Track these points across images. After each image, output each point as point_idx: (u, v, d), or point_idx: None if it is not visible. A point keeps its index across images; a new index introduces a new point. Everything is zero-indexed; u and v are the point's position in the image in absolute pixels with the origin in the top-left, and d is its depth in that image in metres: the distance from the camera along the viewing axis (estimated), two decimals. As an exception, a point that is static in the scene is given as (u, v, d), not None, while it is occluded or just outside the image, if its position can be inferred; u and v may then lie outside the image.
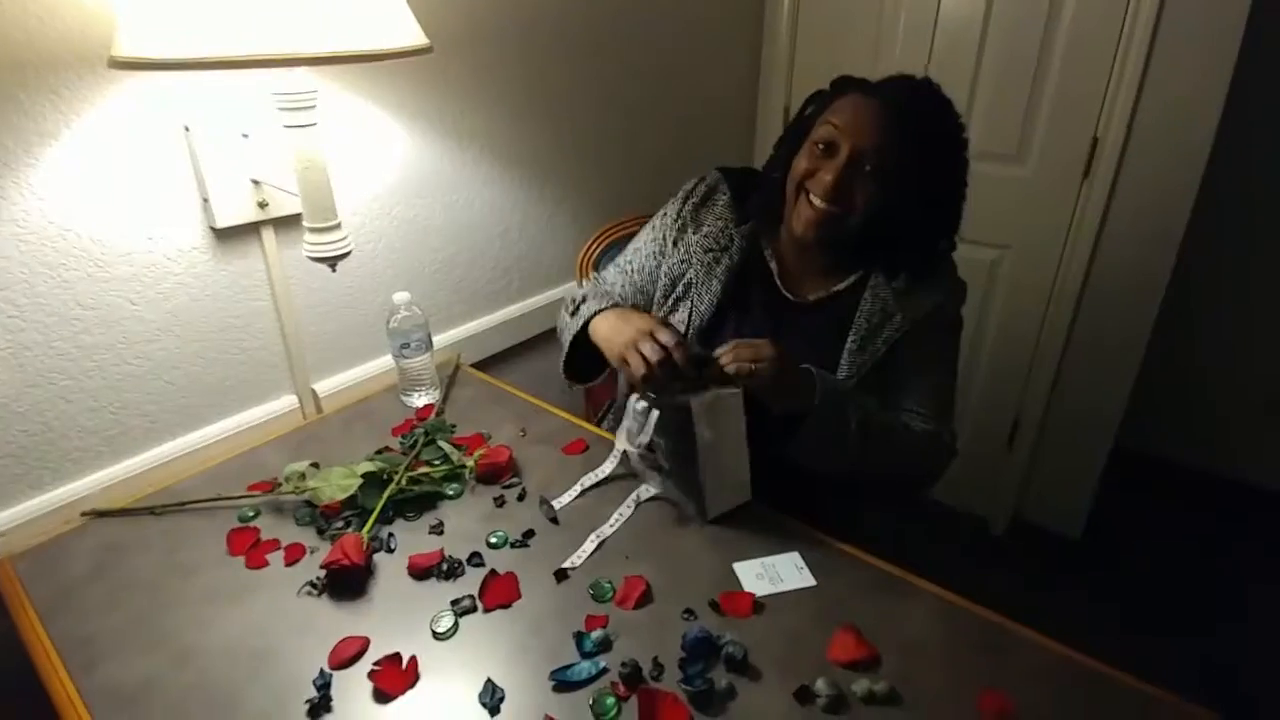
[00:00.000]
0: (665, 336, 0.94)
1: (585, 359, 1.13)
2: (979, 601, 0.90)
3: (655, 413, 0.98)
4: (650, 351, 0.93)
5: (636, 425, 1.01)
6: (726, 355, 0.93)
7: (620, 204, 1.78)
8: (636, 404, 1.00)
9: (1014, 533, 2.22)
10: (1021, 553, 2.16)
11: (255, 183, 1.12)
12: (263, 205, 1.13)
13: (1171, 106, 1.66)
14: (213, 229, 1.11)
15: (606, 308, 1.10)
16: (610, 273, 1.26)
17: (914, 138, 0.96)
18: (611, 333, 1.04)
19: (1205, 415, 2.42)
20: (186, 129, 1.04)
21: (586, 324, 1.10)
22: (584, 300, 1.16)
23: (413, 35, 0.95)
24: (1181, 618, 1.92)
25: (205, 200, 1.08)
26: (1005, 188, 1.89)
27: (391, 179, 1.33)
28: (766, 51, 2.17)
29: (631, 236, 1.52)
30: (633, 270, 1.22)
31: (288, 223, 1.19)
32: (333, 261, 1.05)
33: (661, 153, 1.91)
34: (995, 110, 1.85)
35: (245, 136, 1.09)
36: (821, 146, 1.00)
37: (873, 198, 0.98)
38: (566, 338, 1.16)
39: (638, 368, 0.94)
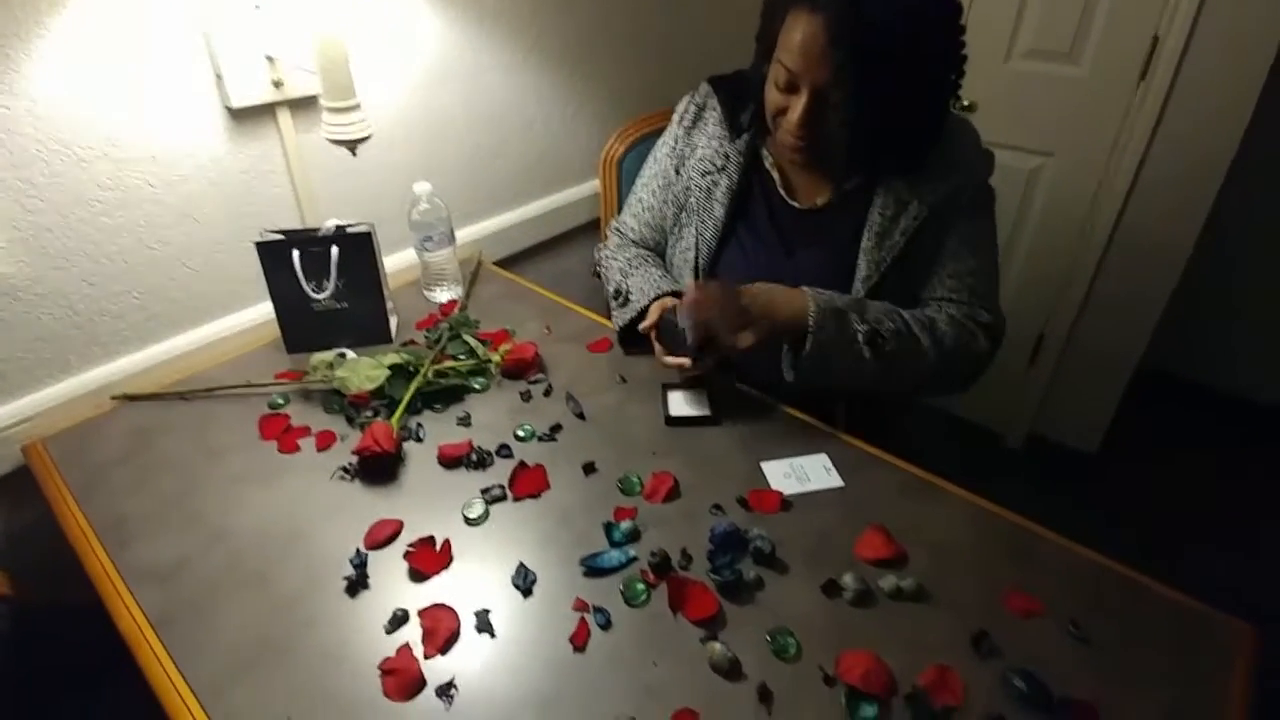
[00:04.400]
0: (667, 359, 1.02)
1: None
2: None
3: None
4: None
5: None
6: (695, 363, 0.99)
7: (646, 98, 1.70)
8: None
9: (1029, 446, 2.22)
10: (1036, 466, 2.17)
11: (269, 59, 1.06)
12: (278, 85, 1.08)
13: (1238, 5, 1.54)
14: (228, 109, 1.07)
15: (648, 303, 1.09)
16: (626, 216, 1.25)
17: (872, 49, 0.84)
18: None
19: (1238, 336, 2.37)
20: (197, -4, 0.98)
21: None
22: (623, 278, 1.15)
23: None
24: (1194, 536, 1.94)
25: (219, 77, 1.03)
26: (1055, 89, 1.79)
27: (411, 60, 1.27)
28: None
29: (657, 134, 1.47)
30: (643, 209, 1.22)
31: (304, 106, 1.15)
32: (353, 145, 1.01)
33: (688, 41, 1.80)
34: (1051, 3, 1.72)
35: (257, 7, 1.02)
36: (783, 83, 0.92)
37: (847, 116, 0.90)
38: (616, 321, 1.16)
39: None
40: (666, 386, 1.06)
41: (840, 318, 0.94)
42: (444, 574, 0.79)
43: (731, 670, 0.69)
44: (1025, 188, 1.92)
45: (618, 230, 1.27)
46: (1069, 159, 1.85)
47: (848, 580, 0.78)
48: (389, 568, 0.79)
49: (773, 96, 0.95)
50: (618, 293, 1.15)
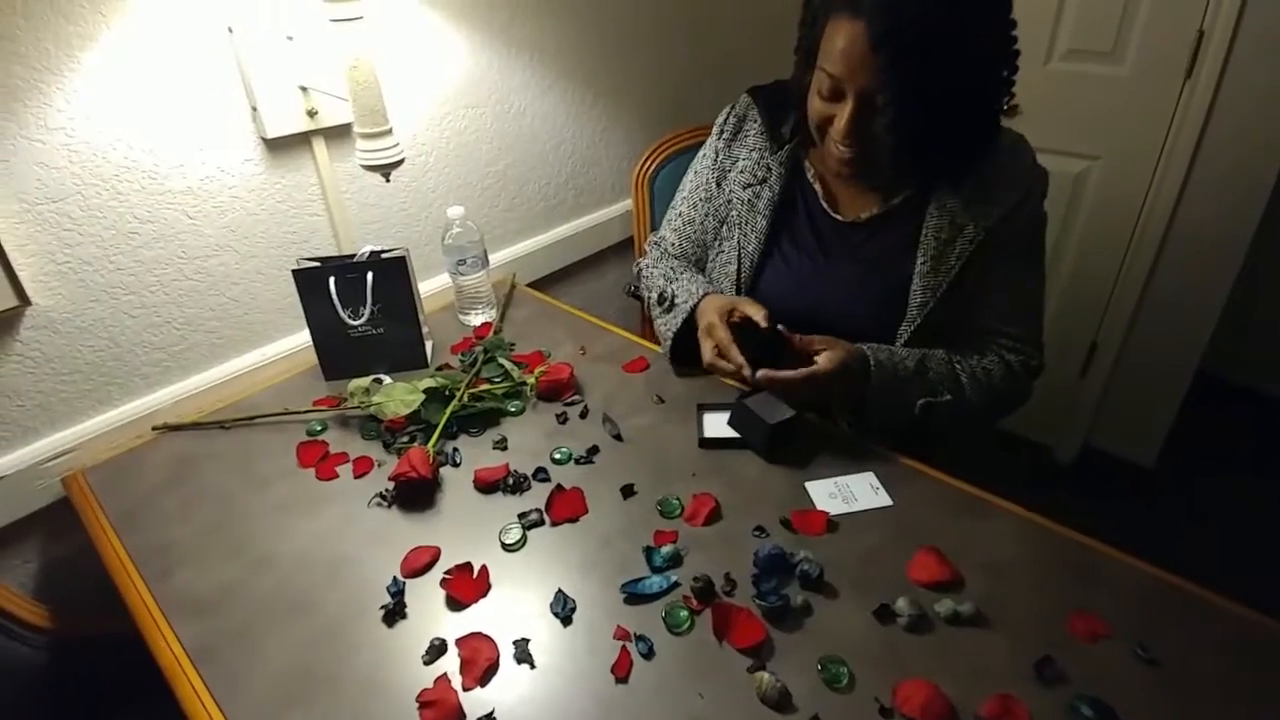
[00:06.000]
0: (706, 348, 0.99)
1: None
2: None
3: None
4: (709, 352, 0.99)
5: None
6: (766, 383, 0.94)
7: (677, 114, 1.70)
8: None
9: (1083, 460, 2.14)
10: (1090, 481, 2.09)
11: (303, 89, 1.08)
12: (312, 114, 1.10)
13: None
14: (264, 139, 1.08)
15: (702, 299, 1.06)
16: (665, 230, 1.23)
17: (914, 49, 0.82)
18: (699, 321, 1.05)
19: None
20: (230, 30, 0.99)
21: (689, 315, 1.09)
22: (667, 283, 1.13)
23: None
24: (1259, 549, 1.84)
25: (254, 109, 1.05)
26: (1098, 90, 1.73)
27: (441, 87, 1.28)
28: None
29: (689, 151, 1.46)
30: (684, 224, 1.19)
31: (338, 134, 1.16)
32: (386, 170, 1.01)
33: (719, 57, 1.80)
34: (1091, 1, 1.68)
35: (290, 39, 1.04)
36: (827, 91, 0.90)
37: (896, 121, 0.87)
38: (664, 330, 1.12)
39: (708, 364, 1.00)
40: (702, 407, 1.03)
41: (899, 396, 0.96)
42: (482, 602, 0.77)
43: (781, 701, 0.66)
44: (1071, 193, 1.86)
45: (656, 244, 1.25)
46: (1116, 162, 1.78)
47: (901, 605, 0.74)
48: (426, 596, 0.78)
49: (817, 106, 0.93)
50: (662, 298, 1.13)
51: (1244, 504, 1.99)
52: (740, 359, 0.95)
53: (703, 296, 1.06)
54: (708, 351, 0.99)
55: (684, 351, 1.10)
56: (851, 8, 0.84)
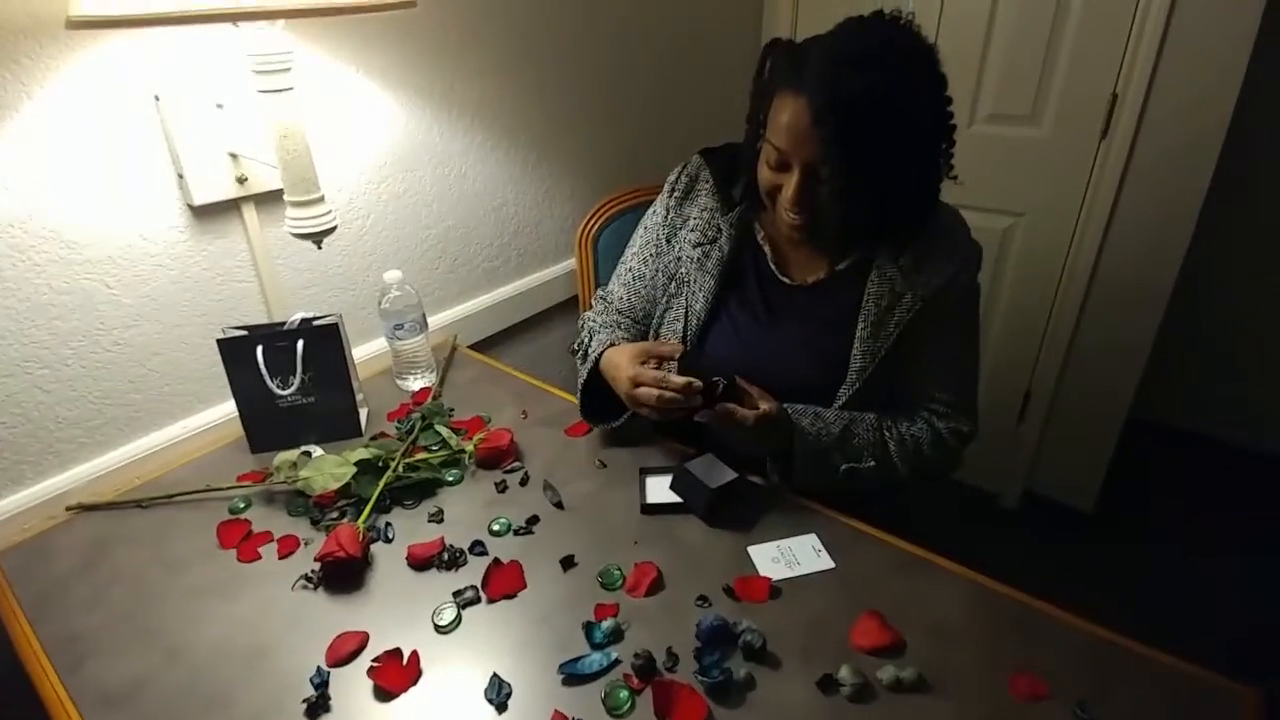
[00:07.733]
0: (645, 394, 0.95)
1: (603, 399, 1.08)
2: (1003, 580, 0.86)
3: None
4: (648, 403, 0.95)
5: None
6: (704, 416, 0.96)
7: (620, 175, 1.72)
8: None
9: (1025, 506, 2.18)
10: (1034, 526, 2.12)
11: (233, 156, 1.06)
12: (242, 180, 1.08)
13: (1195, 60, 1.58)
14: (190, 207, 1.05)
15: (605, 349, 1.06)
16: (614, 285, 1.23)
17: (853, 125, 0.84)
18: (611, 380, 1.04)
19: (1222, 383, 2.37)
20: (157, 99, 0.98)
21: (597, 366, 1.07)
22: (590, 337, 1.14)
23: (394, -9, 0.89)
24: (1198, 589, 1.88)
25: (180, 176, 1.03)
26: (1019, 151, 1.82)
27: (379, 151, 1.27)
28: (768, 7, 2.09)
29: (632, 210, 1.47)
30: (633, 279, 1.19)
31: (270, 200, 1.14)
32: (317, 238, 1.00)
33: (661, 118, 1.84)
34: (1010, 68, 1.77)
35: (220, 107, 1.03)
36: (775, 163, 0.95)
37: (839, 189, 0.90)
38: (579, 382, 1.11)
39: (648, 415, 0.98)
40: (645, 471, 1.02)
41: (822, 461, 0.98)
42: (412, 690, 0.73)
43: (724, 786, 0.64)
44: (999, 249, 1.93)
45: (603, 299, 1.24)
46: (1039, 217, 1.86)
47: (844, 674, 0.73)
48: (352, 686, 0.74)
49: (766, 175, 0.97)
50: (578, 346, 1.15)
51: (1181, 544, 2.04)
52: (683, 380, 0.93)
53: (608, 345, 1.06)
54: (651, 396, 0.95)
55: (596, 405, 1.10)
56: (794, 85, 0.88)
